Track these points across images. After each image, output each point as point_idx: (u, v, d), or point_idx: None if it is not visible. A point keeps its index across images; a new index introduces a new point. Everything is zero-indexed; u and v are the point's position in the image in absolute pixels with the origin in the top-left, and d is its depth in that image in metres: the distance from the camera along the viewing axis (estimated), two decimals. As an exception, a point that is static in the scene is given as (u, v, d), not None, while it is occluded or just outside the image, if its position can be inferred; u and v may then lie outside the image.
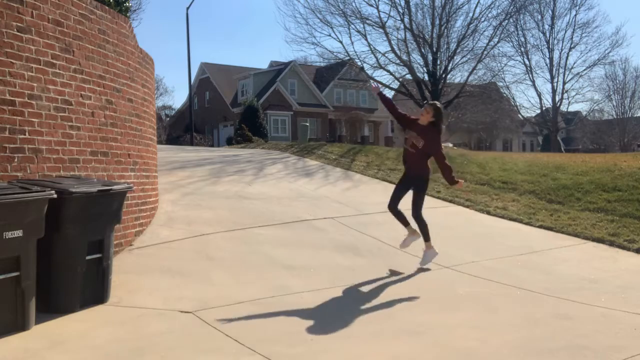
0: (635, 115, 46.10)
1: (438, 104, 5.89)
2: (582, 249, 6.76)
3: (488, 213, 8.43)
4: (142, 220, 6.33)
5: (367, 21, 25.64)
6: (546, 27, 35.83)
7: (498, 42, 27.64)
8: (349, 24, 25.66)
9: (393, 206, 5.87)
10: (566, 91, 37.11)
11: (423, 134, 5.65)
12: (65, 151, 4.96)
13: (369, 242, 6.63)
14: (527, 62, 35.32)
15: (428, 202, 9.35)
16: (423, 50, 26.70)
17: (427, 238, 5.85)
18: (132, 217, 6.04)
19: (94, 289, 4.33)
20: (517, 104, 37.78)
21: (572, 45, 35.86)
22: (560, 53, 36.38)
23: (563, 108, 39.19)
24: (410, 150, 5.71)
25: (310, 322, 4.10)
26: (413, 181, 5.79)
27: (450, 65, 27.22)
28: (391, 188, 10.37)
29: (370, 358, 3.51)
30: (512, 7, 27.74)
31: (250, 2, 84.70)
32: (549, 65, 36.57)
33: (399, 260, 6.00)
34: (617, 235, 7.02)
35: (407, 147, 5.77)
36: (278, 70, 40.13)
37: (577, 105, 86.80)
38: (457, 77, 29.10)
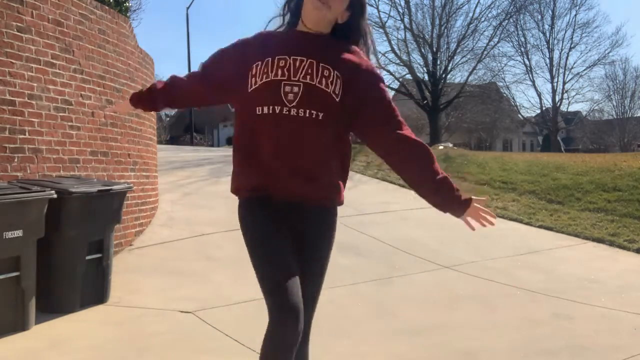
0: (635, 115, 46.05)
1: None
2: (582, 249, 6.76)
3: (488, 213, 8.42)
4: (142, 220, 6.33)
5: (367, 21, 25.62)
6: (546, 27, 35.81)
7: (498, 42, 27.70)
8: (349, 24, 25.65)
9: (295, 313, 1.76)
10: (566, 91, 37.10)
11: (336, 53, 1.95)
12: (65, 151, 4.95)
13: (369, 242, 6.63)
14: (527, 62, 35.32)
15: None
16: (423, 50, 26.72)
17: None
18: (132, 217, 6.04)
19: (94, 289, 4.33)
20: (517, 104, 37.82)
21: (572, 45, 35.84)
22: (560, 53, 36.36)
23: (563, 108, 39.17)
24: (302, 116, 1.83)
25: (310, 322, 4.10)
26: (312, 224, 2.08)
27: (450, 65, 27.25)
28: (391, 188, 10.48)
29: (370, 358, 3.51)
30: (512, 7, 27.79)
31: (250, 2, 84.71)
32: (549, 65, 36.56)
33: (399, 260, 6.00)
34: (617, 235, 7.02)
35: (275, 112, 1.88)
36: (278, 70, 40.10)
37: (577, 105, 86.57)
38: (457, 77, 29.12)
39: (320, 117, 1.81)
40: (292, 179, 1.85)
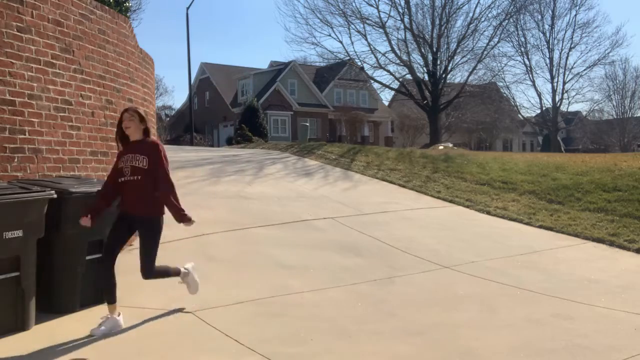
0: (635, 115, 46.10)
1: (136, 107, 4.53)
2: (582, 249, 6.76)
3: (488, 213, 8.43)
4: (142, 220, 6.32)
5: (367, 21, 25.69)
6: (546, 27, 35.86)
7: (498, 42, 27.75)
8: (349, 24, 25.72)
9: (108, 264, 3.89)
10: (566, 91, 37.15)
11: (143, 149, 3.98)
12: (65, 151, 4.96)
13: (369, 242, 6.63)
14: (527, 62, 35.38)
15: (428, 202, 9.37)
16: (423, 50, 26.75)
17: (177, 273, 4.40)
18: (132, 217, 6.03)
19: (94, 289, 4.33)
20: (517, 104, 37.87)
21: (572, 45, 35.89)
22: (560, 53, 36.42)
23: (563, 108, 39.21)
24: (131, 179, 3.93)
25: (310, 322, 4.10)
26: (141, 224, 4.05)
27: (450, 65, 27.30)
28: (391, 188, 10.48)
29: (370, 358, 3.51)
30: (512, 7, 27.84)
31: (250, 2, 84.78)
32: (549, 65, 36.61)
33: (399, 260, 6.00)
34: (617, 235, 7.02)
35: (125, 179, 3.96)
36: (278, 70, 40.10)
37: (577, 105, 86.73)
38: (457, 77, 29.27)
39: (141, 176, 3.98)
40: (136, 205, 4.06)
